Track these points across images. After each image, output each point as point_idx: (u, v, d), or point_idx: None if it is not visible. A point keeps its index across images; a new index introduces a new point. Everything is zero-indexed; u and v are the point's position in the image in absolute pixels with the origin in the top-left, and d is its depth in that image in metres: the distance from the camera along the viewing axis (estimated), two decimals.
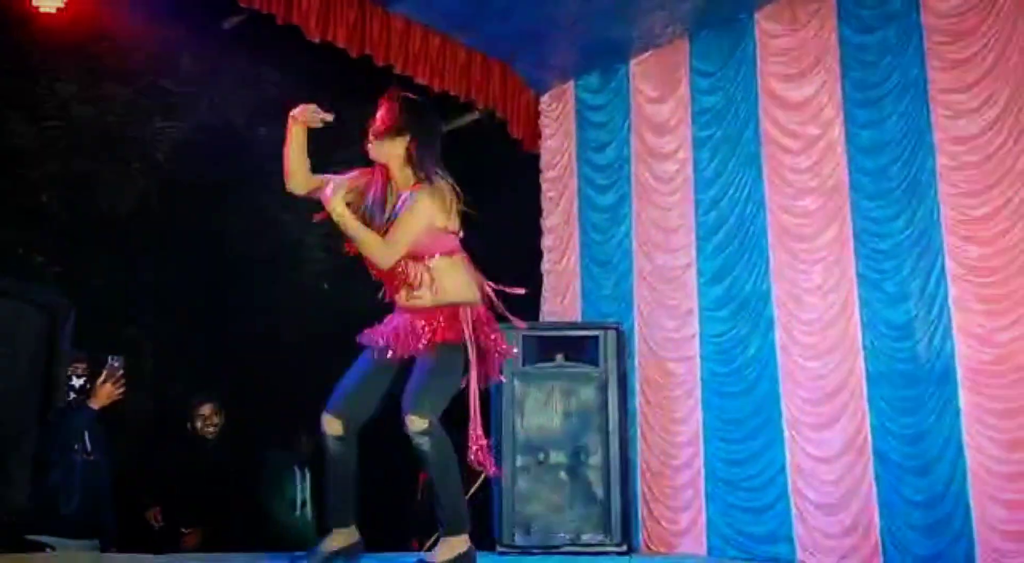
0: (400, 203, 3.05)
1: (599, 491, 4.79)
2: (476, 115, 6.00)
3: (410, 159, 3.04)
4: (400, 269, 3.04)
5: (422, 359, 3.05)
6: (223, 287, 6.59)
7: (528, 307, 5.74)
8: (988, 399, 4.12)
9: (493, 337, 3.14)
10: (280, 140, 6.74)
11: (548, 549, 4.66)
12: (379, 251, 3.00)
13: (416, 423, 2.91)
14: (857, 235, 4.62)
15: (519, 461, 4.78)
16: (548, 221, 5.97)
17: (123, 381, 3.95)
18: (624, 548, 4.71)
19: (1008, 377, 4.08)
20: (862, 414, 4.44)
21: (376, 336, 3.12)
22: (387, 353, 3.06)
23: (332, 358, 6.27)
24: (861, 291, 4.56)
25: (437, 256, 3.06)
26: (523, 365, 4.91)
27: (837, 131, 4.78)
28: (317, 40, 5.04)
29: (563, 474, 4.80)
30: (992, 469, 4.06)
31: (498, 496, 4.75)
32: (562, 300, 5.77)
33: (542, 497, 4.76)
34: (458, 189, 3.09)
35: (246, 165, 6.72)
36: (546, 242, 5.95)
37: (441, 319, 3.03)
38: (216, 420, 4.97)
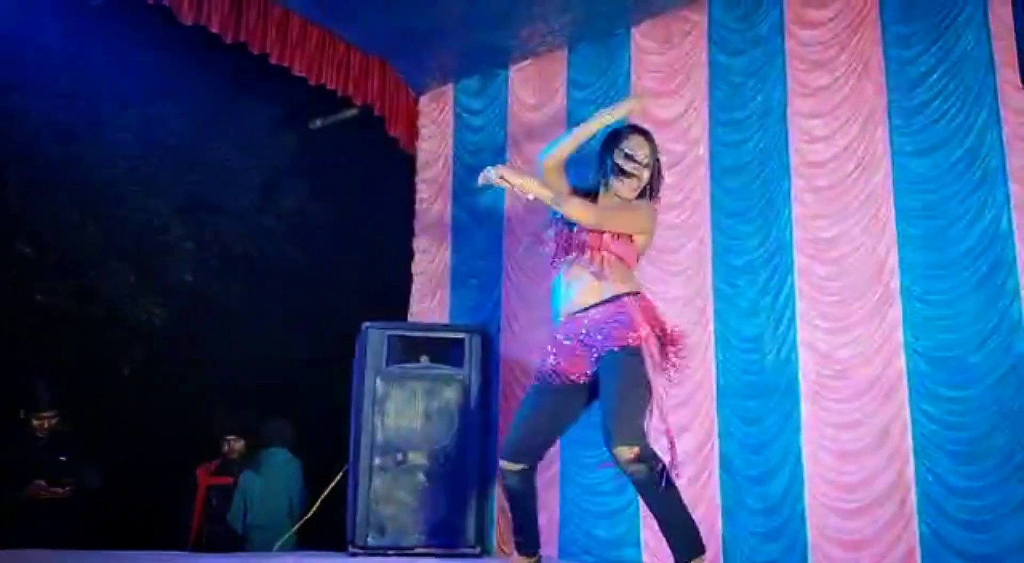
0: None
1: (456, 493, 4.80)
2: (354, 111, 5.95)
3: (648, 186, 3.27)
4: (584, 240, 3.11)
5: (604, 374, 2.97)
6: (80, 273, 6.35)
7: (397, 307, 5.74)
8: (827, 412, 4.32)
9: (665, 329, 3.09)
10: (149, 124, 6.55)
11: (401, 550, 4.64)
12: (590, 211, 3.10)
13: (626, 453, 2.81)
14: (715, 250, 4.77)
15: (377, 461, 4.75)
16: (421, 222, 5.96)
17: None
18: (478, 550, 4.74)
19: (846, 391, 4.28)
20: (711, 423, 4.59)
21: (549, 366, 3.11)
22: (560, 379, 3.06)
23: (193, 350, 6.14)
24: (716, 304, 4.71)
25: (615, 257, 3.12)
26: (387, 365, 4.88)
27: (702, 149, 4.93)
28: (190, 23, 4.90)
29: (421, 475, 4.79)
30: (828, 479, 4.26)
31: (353, 496, 4.71)
32: (431, 302, 5.76)
33: (398, 498, 4.73)
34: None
35: (112, 149, 6.49)
36: (418, 243, 5.94)
37: (611, 316, 3.01)
38: (51, 424, 4.91)
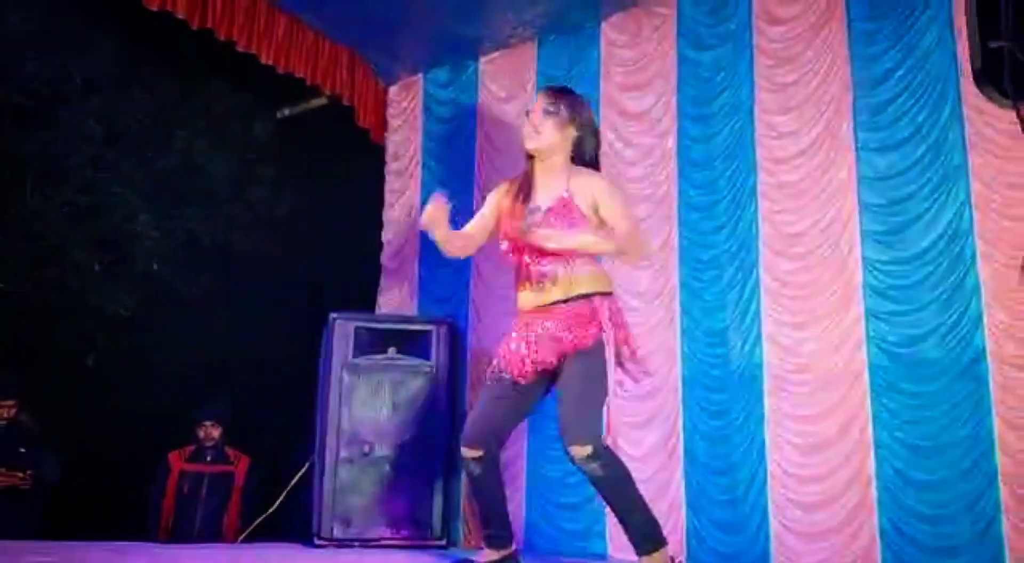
0: (559, 195, 3.08)
1: (422, 485, 4.81)
2: (323, 101, 5.91)
3: (576, 149, 3.15)
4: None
5: (567, 372, 2.99)
6: (44, 261, 6.27)
7: (364, 299, 5.72)
8: (790, 406, 4.35)
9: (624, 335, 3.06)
10: (113, 109, 6.47)
11: (367, 542, 4.64)
12: (630, 241, 3.04)
13: (579, 452, 2.84)
14: (682, 244, 4.79)
15: (343, 453, 4.75)
16: (390, 213, 5.93)
17: None
18: (444, 542, 4.75)
19: (808, 385, 4.32)
20: (676, 415, 4.62)
21: (503, 364, 3.11)
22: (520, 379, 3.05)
23: (157, 342, 6.09)
24: (682, 298, 4.74)
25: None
26: (353, 356, 4.87)
27: (670, 143, 4.95)
28: (155, 8, 4.83)
29: (387, 467, 4.79)
30: (790, 472, 4.30)
31: (319, 488, 4.70)
32: (399, 293, 5.74)
33: (364, 490, 4.73)
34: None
35: (76, 134, 6.41)
36: (387, 234, 5.92)
37: (574, 317, 2.98)
38: (11, 413, 4.89)
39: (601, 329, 2.97)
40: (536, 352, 3.03)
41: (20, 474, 4.87)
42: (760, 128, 4.67)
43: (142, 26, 5.11)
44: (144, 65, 6.08)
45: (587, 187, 3.12)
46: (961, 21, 4.19)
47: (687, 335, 4.70)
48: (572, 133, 3.15)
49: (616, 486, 2.92)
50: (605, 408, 2.95)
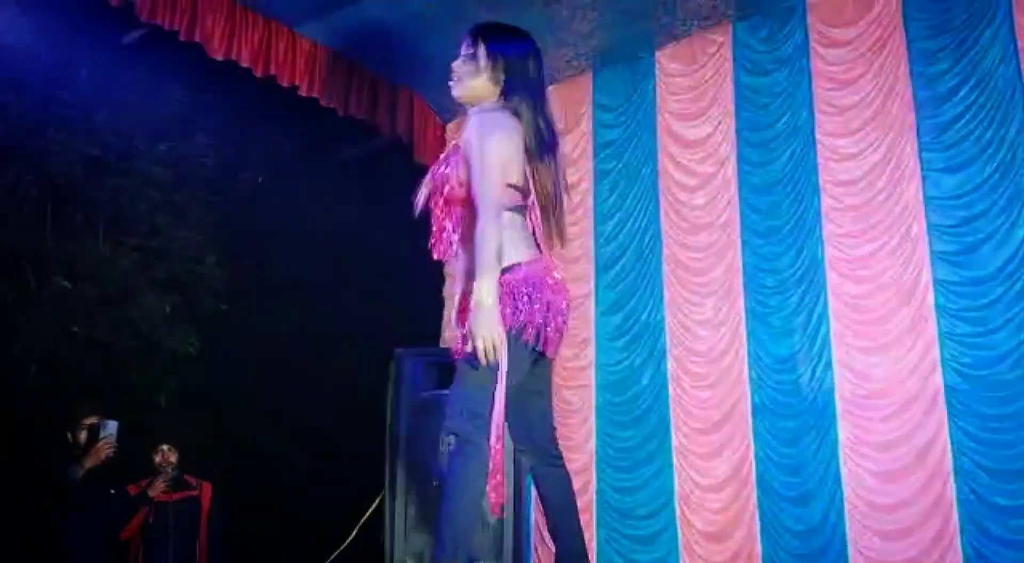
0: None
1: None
2: (382, 139, 6.00)
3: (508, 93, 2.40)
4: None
5: None
6: (115, 304, 6.43)
7: (429, 333, 5.77)
8: (865, 432, 4.29)
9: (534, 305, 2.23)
10: (181, 156, 6.64)
11: None
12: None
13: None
14: (746, 271, 4.77)
15: (413, 487, 4.77)
16: None
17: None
18: None
19: (883, 411, 4.25)
20: (747, 444, 4.57)
21: None
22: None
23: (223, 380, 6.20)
24: (749, 324, 4.70)
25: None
26: (420, 391, 4.90)
27: (730, 169, 4.95)
28: (220, 58, 4.99)
29: None
30: (868, 500, 4.22)
31: (390, 522, 4.72)
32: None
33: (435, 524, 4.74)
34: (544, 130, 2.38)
35: (144, 181, 6.59)
36: (448, 269, 5.97)
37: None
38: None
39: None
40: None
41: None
42: (822, 151, 4.65)
43: (209, 72, 5.26)
44: (209, 110, 6.25)
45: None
46: None
47: (754, 361, 4.66)
48: (500, 77, 2.46)
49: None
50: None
